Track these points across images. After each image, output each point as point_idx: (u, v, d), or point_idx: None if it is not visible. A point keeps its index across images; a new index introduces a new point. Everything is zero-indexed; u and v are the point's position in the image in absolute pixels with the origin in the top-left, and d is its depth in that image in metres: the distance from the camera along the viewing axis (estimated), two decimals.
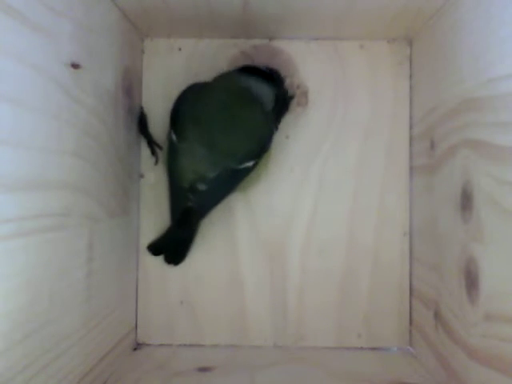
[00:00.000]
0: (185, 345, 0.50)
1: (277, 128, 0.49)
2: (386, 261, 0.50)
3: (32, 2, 0.28)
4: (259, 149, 0.46)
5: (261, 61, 0.51)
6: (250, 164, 0.46)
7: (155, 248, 0.49)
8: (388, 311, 0.50)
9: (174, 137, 0.46)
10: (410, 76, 0.51)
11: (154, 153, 0.50)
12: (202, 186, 0.45)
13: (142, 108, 0.50)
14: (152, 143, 0.50)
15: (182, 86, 0.47)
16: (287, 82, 0.51)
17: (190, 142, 0.45)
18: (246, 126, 0.46)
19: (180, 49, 0.51)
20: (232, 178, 0.46)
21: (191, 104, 0.46)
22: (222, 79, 0.47)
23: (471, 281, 0.35)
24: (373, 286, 0.50)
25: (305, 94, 0.51)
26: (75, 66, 0.34)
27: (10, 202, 0.27)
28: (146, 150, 0.51)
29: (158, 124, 0.50)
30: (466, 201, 0.36)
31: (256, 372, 0.44)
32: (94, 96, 0.38)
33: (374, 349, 0.50)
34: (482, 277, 0.33)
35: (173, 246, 0.49)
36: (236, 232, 0.51)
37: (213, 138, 0.45)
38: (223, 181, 0.45)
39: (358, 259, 0.51)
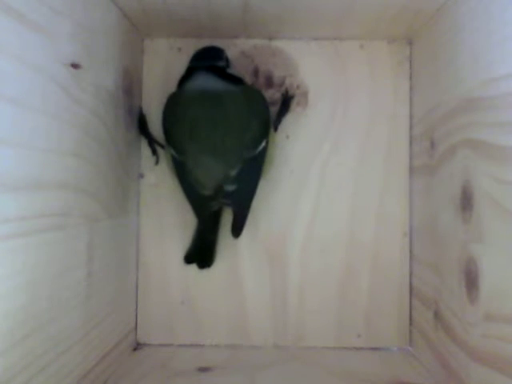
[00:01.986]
0: (185, 345, 0.50)
1: (276, 128, 0.49)
2: (386, 261, 0.50)
3: (32, 2, 0.28)
4: (263, 126, 0.46)
5: (261, 61, 0.51)
6: (263, 144, 0.46)
7: (191, 257, 0.49)
8: (388, 311, 0.50)
9: (173, 152, 0.46)
10: (410, 76, 0.51)
11: (154, 152, 0.50)
12: (230, 187, 0.45)
13: (140, 108, 0.50)
14: (153, 143, 0.50)
15: None
16: (287, 82, 0.51)
17: (193, 154, 0.45)
18: (240, 113, 0.45)
19: (180, 49, 0.51)
20: (254, 165, 0.46)
21: (177, 116, 0.46)
22: (193, 82, 0.46)
23: (471, 281, 0.35)
24: (373, 285, 0.50)
25: (305, 94, 0.51)
26: (75, 66, 0.34)
27: (9, 201, 0.27)
28: (146, 150, 0.51)
29: (158, 124, 0.50)
30: (466, 201, 0.36)
31: (256, 372, 0.44)
32: (94, 96, 0.38)
33: (374, 349, 0.50)
34: (482, 277, 0.33)
35: (205, 251, 0.49)
36: None
37: (215, 140, 0.45)
38: (247, 172, 0.45)
39: (357, 259, 0.51)
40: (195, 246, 0.49)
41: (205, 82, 0.45)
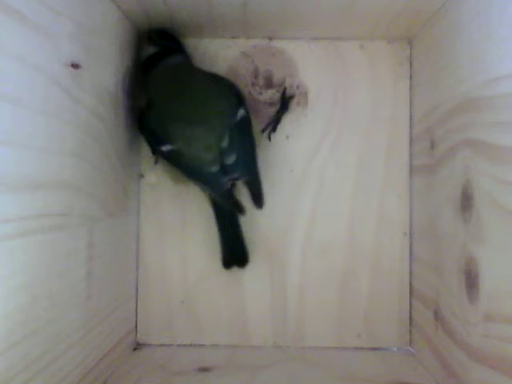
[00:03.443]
0: (185, 345, 0.50)
1: (275, 129, 0.49)
2: (386, 261, 0.50)
3: (32, 2, 0.28)
4: (234, 94, 0.47)
5: (261, 61, 0.51)
6: (242, 112, 0.46)
7: (229, 262, 0.49)
8: (388, 311, 0.50)
9: (164, 148, 0.46)
10: (410, 76, 0.51)
11: (154, 152, 0.50)
12: (229, 159, 0.45)
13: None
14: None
15: None
16: (287, 82, 0.51)
17: (182, 140, 0.46)
18: (207, 85, 0.47)
19: None
20: (242, 132, 0.46)
21: (152, 119, 0.47)
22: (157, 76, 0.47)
23: (471, 281, 0.35)
24: (373, 286, 0.50)
25: (305, 94, 0.51)
26: (75, 66, 0.34)
27: (9, 201, 0.27)
28: (146, 150, 0.51)
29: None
30: (466, 201, 0.36)
31: (256, 372, 0.44)
32: (94, 96, 0.38)
33: (374, 349, 0.50)
34: (482, 277, 0.33)
35: (238, 248, 0.49)
36: None
37: (195, 120, 0.45)
38: (238, 140, 0.45)
39: (357, 259, 0.51)
40: (226, 248, 0.49)
41: (161, 69, 0.47)
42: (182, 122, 0.46)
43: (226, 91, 0.47)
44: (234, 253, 0.49)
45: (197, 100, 0.46)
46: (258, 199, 0.46)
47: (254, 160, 0.46)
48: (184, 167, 0.46)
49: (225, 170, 0.45)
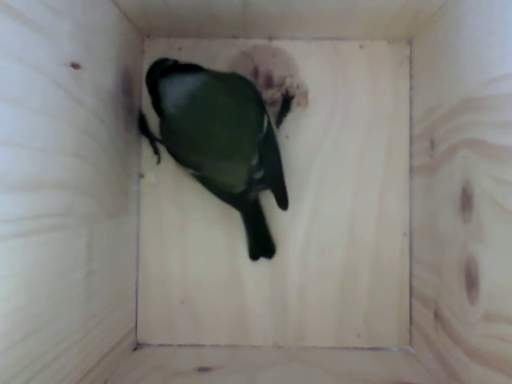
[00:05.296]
0: (185, 345, 0.50)
1: (277, 128, 0.49)
2: (386, 261, 0.50)
3: (32, 2, 0.28)
4: (257, 103, 0.45)
5: (261, 61, 0.51)
6: (266, 120, 0.45)
7: (255, 253, 0.50)
8: (388, 311, 0.50)
9: (191, 170, 0.46)
10: (410, 76, 0.51)
11: (156, 152, 0.50)
12: (258, 174, 0.45)
13: (140, 108, 0.50)
14: (154, 142, 0.50)
15: None
16: (287, 82, 0.51)
17: (210, 166, 0.45)
18: (229, 103, 0.44)
19: (180, 49, 0.51)
20: (269, 143, 0.46)
21: (178, 140, 0.45)
22: (169, 98, 0.43)
23: (471, 281, 0.35)
24: (373, 285, 0.50)
25: (305, 94, 0.51)
26: (75, 65, 0.34)
27: (9, 202, 0.27)
28: (146, 150, 0.51)
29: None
30: (466, 201, 0.36)
31: (256, 372, 0.44)
32: (94, 96, 0.38)
33: (373, 349, 0.50)
34: (482, 277, 0.33)
35: (264, 240, 0.49)
36: (236, 232, 0.51)
37: (223, 142, 0.44)
38: (267, 153, 0.45)
39: (357, 259, 0.51)
40: (252, 240, 0.49)
41: (175, 90, 0.43)
42: (208, 153, 0.44)
43: (250, 98, 0.45)
44: (261, 244, 0.50)
45: (222, 124, 0.43)
46: (283, 202, 0.47)
47: (281, 167, 0.47)
48: (209, 189, 0.47)
49: (252, 183, 0.45)
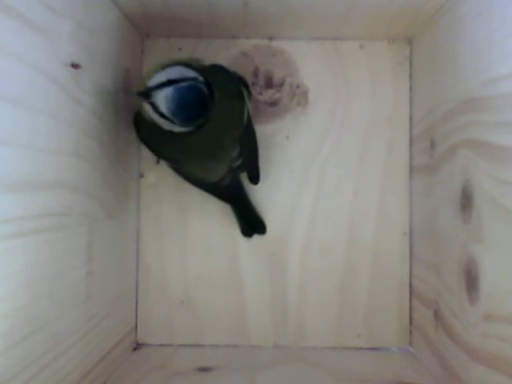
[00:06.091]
0: (185, 345, 0.50)
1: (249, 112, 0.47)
2: (386, 261, 0.50)
3: (32, 2, 0.28)
4: (239, 102, 0.43)
5: (261, 61, 0.51)
6: (246, 113, 0.44)
7: (247, 231, 0.51)
8: (388, 311, 0.50)
9: (169, 164, 0.46)
10: (410, 76, 0.51)
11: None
12: (236, 163, 0.46)
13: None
14: None
15: None
16: (287, 82, 0.51)
17: (190, 162, 0.44)
18: (220, 107, 0.40)
19: (180, 49, 0.51)
20: (248, 134, 0.46)
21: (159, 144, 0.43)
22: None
23: (471, 281, 0.35)
24: (373, 285, 0.50)
25: (305, 93, 0.51)
26: (75, 66, 0.34)
27: (9, 201, 0.27)
28: (146, 150, 0.50)
29: None
30: (466, 201, 0.36)
31: (256, 372, 0.44)
32: (94, 96, 0.38)
33: (373, 349, 0.50)
34: (482, 277, 0.33)
35: (252, 217, 0.50)
36: (236, 232, 0.51)
37: (205, 139, 0.41)
38: (246, 143, 0.46)
39: (357, 259, 0.51)
40: (241, 219, 0.50)
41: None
42: (190, 153, 0.42)
43: (233, 93, 0.43)
44: (250, 222, 0.50)
45: (208, 129, 0.40)
46: (254, 178, 0.49)
47: (257, 150, 0.48)
48: (186, 179, 0.47)
49: (230, 171, 0.46)
